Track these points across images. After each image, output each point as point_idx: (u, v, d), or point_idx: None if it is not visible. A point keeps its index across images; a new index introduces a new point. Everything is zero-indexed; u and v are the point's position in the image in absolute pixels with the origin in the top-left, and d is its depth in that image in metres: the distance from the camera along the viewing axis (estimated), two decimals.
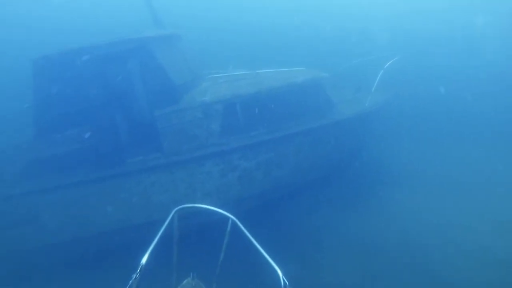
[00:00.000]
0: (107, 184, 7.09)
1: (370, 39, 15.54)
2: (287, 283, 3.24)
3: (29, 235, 6.94)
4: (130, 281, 3.25)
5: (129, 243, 6.76)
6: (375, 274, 6.63)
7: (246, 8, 18.04)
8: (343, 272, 6.75)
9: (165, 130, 7.33)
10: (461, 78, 14.47)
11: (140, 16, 10.14)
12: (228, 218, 4.21)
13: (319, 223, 8.26)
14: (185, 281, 4.43)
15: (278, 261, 3.52)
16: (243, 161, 7.72)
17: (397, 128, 12.42)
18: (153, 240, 3.59)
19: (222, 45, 14.90)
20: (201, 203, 7.53)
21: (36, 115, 7.18)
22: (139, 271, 3.24)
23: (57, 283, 6.83)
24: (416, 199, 8.96)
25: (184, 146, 7.43)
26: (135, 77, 7.40)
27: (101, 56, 7.02)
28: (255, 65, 9.77)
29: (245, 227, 4.19)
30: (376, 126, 10.65)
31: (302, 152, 8.23)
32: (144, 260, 3.32)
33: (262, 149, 7.77)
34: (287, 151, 8.03)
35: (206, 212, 4.39)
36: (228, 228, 4.23)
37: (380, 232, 7.74)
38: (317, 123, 8.14)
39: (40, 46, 8.46)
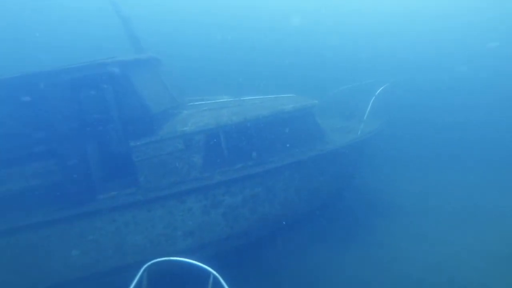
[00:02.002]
0: (73, 225, 6.30)
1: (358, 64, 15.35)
2: None
3: None
4: None
5: None
6: None
7: (230, 31, 17.75)
8: None
9: (142, 163, 6.68)
10: (455, 103, 14.35)
11: (117, 40, 9.57)
12: (209, 273, 3.49)
13: (311, 262, 7.76)
14: None
15: None
16: (228, 196, 7.06)
17: (389, 156, 12.07)
18: None
19: (205, 70, 14.43)
20: (181, 244, 6.92)
21: None
22: None
23: None
24: (411, 230, 8.66)
25: (163, 180, 6.78)
26: (108, 104, 6.71)
27: (69, 81, 6.34)
28: (240, 91, 9.28)
29: (229, 280, 3.48)
30: (367, 155, 10.19)
31: (292, 186, 7.61)
32: None
33: (248, 183, 7.15)
34: (276, 185, 7.41)
35: (183, 267, 3.66)
36: (210, 286, 3.51)
37: (376, 268, 7.36)
38: (308, 154, 7.59)
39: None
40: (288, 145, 7.60)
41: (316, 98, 8.76)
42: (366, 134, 8.64)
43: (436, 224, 8.80)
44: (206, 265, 3.60)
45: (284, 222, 8.00)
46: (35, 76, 6.13)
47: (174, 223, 6.86)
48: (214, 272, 3.58)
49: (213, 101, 8.41)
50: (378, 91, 8.93)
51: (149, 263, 3.52)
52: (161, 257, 6.69)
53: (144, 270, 3.44)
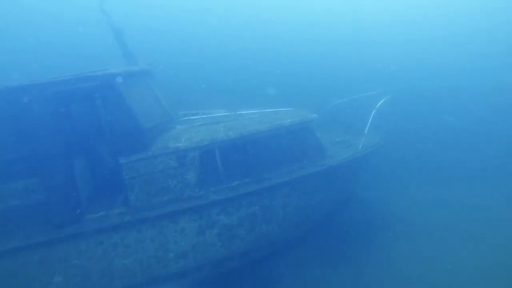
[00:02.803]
0: (55, 249, 5.88)
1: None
2: None
3: None
4: None
5: None
6: None
7: (225, 41, 17.50)
8: None
9: (132, 181, 6.32)
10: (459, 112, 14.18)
11: (109, 51, 9.25)
12: None
13: (311, 283, 7.36)
14: None
15: None
16: (223, 216, 6.70)
17: (389, 169, 11.78)
18: None
19: (199, 82, 14.11)
20: (173, 267, 6.49)
21: None
22: None
23: None
24: (412, 248, 8.32)
25: (154, 199, 6.42)
26: (97, 119, 6.37)
27: (55, 95, 5.98)
28: (236, 105, 8.96)
29: None
30: (367, 169, 9.88)
31: (291, 203, 7.25)
32: None
33: (245, 202, 6.80)
34: (274, 204, 7.06)
35: None
36: None
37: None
38: (307, 170, 7.25)
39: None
40: (286, 161, 7.27)
41: (315, 111, 8.49)
42: (367, 149, 8.33)
43: (440, 242, 8.44)
44: None
45: (282, 242, 7.64)
46: (17, 90, 5.76)
47: (166, 244, 6.47)
48: None
49: (208, 116, 8.09)
50: (379, 104, 8.67)
51: None
52: (152, 280, 6.31)
53: None
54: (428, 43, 17.14)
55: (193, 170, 6.57)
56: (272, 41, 17.84)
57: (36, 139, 5.86)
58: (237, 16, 18.77)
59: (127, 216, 6.24)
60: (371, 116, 8.51)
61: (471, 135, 13.52)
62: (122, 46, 8.20)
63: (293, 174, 7.15)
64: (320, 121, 8.57)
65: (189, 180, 6.56)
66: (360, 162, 8.49)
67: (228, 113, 8.15)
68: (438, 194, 11.01)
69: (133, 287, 6.33)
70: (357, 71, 15.77)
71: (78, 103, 6.33)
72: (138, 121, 6.45)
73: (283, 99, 10.62)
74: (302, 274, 7.59)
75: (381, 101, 8.76)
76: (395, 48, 17.10)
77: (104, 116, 6.36)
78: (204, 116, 8.11)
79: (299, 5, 19.18)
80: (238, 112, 8.16)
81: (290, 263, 7.87)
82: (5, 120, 5.83)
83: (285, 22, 18.67)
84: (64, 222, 6.02)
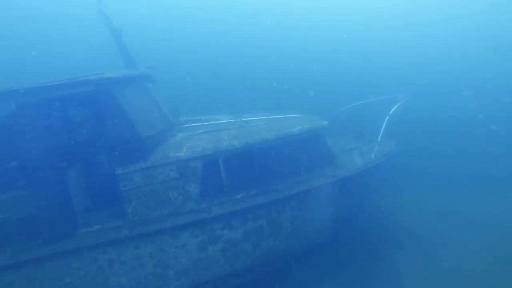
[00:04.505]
0: (47, 265, 5.46)
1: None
2: None
3: None
4: None
5: None
6: None
7: (229, 44, 17.05)
8: None
9: (130, 193, 5.91)
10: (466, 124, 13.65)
11: (107, 54, 8.83)
12: None
13: None
14: None
15: None
16: (228, 230, 6.26)
17: (403, 177, 11.28)
18: None
19: (202, 86, 13.64)
20: (173, 285, 6.03)
21: None
22: None
23: None
24: (425, 262, 7.92)
25: (153, 213, 6.02)
26: (93, 127, 5.93)
27: (47, 100, 5.56)
28: (241, 109, 8.52)
29: None
30: (379, 179, 9.38)
31: (300, 216, 6.78)
32: None
33: (250, 215, 6.35)
34: (281, 218, 6.60)
35: None
36: None
37: None
38: (317, 182, 6.78)
39: None
40: (295, 171, 6.81)
41: (324, 117, 8.02)
42: (381, 158, 7.84)
43: (454, 256, 8.00)
44: None
45: (290, 257, 7.16)
46: (4, 95, 5.34)
47: (165, 261, 6.05)
48: None
49: (212, 122, 7.63)
50: (393, 110, 8.18)
51: None
52: None
53: None
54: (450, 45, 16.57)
55: (195, 181, 6.13)
56: (277, 43, 17.41)
57: (26, 148, 5.43)
58: (243, 16, 18.37)
59: (124, 231, 5.82)
60: (385, 123, 8.02)
61: (486, 140, 13.01)
62: (121, 49, 7.77)
63: (302, 185, 6.69)
64: (329, 127, 8.11)
65: (191, 192, 6.13)
66: (373, 172, 8.00)
67: (233, 120, 7.69)
68: (450, 204, 10.54)
69: None
70: (370, 72, 15.28)
71: (72, 110, 5.89)
72: (136, 129, 6.02)
73: (290, 103, 10.11)
74: None
75: (395, 107, 8.27)
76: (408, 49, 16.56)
77: (100, 124, 5.92)
78: (207, 123, 7.66)
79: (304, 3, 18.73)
80: (243, 119, 7.69)
81: (298, 279, 7.44)
82: None
83: (291, 21, 18.22)
84: (55, 237, 5.60)
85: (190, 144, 6.38)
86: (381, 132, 7.94)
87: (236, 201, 6.30)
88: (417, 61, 15.91)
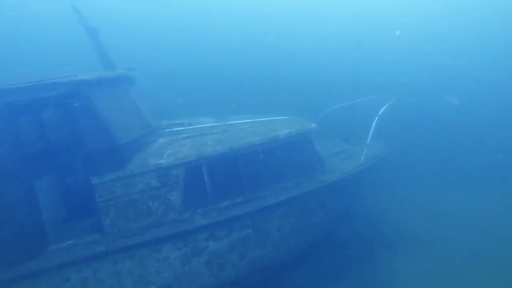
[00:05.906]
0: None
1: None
2: None
3: None
4: None
5: None
6: None
7: (213, 44, 16.63)
8: None
9: (107, 204, 5.51)
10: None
11: (85, 56, 8.34)
12: None
13: None
14: None
15: None
16: (212, 241, 5.94)
17: (392, 178, 11.14)
18: None
19: (184, 88, 13.19)
20: None
21: None
22: None
23: None
24: (417, 265, 7.75)
25: (133, 224, 5.62)
26: (65, 133, 5.50)
27: (14, 104, 5.11)
28: (225, 111, 8.18)
29: None
30: (368, 180, 9.18)
31: (288, 224, 6.50)
32: None
33: (236, 225, 6.05)
34: (269, 226, 6.28)
35: None
36: None
37: None
38: (306, 188, 6.50)
39: None
40: (282, 177, 6.51)
41: (311, 118, 7.75)
42: (370, 161, 7.62)
43: (446, 259, 7.87)
44: None
45: (278, 266, 6.87)
46: None
47: (146, 276, 5.68)
48: None
49: (194, 126, 7.26)
50: (381, 111, 7.98)
51: None
52: None
53: None
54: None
55: (177, 190, 5.77)
56: (262, 42, 17.11)
57: None
58: (229, 14, 17.98)
59: (100, 245, 5.39)
60: (374, 124, 7.80)
61: (478, 139, 13.02)
62: (97, 48, 7.31)
63: (290, 192, 6.40)
64: (316, 129, 7.86)
65: (173, 202, 5.77)
66: (363, 175, 7.78)
67: (217, 123, 7.35)
68: (442, 204, 10.49)
69: None
70: (356, 72, 15.11)
71: (42, 115, 5.44)
72: (113, 134, 5.61)
73: (276, 105, 9.82)
74: None
75: (384, 107, 8.06)
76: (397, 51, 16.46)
77: (72, 130, 5.49)
78: (190, 127, 7.30)
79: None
80: (227, 122, 7.36)
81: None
82: None
83: (276, 21, 17.93)
84: (20, 257, 5.10)
85: (171, 150, 6.01)
86: (370, 134, 7.71)
87: (220, 210, 5.97)
88: (406, 59, 15.85)
